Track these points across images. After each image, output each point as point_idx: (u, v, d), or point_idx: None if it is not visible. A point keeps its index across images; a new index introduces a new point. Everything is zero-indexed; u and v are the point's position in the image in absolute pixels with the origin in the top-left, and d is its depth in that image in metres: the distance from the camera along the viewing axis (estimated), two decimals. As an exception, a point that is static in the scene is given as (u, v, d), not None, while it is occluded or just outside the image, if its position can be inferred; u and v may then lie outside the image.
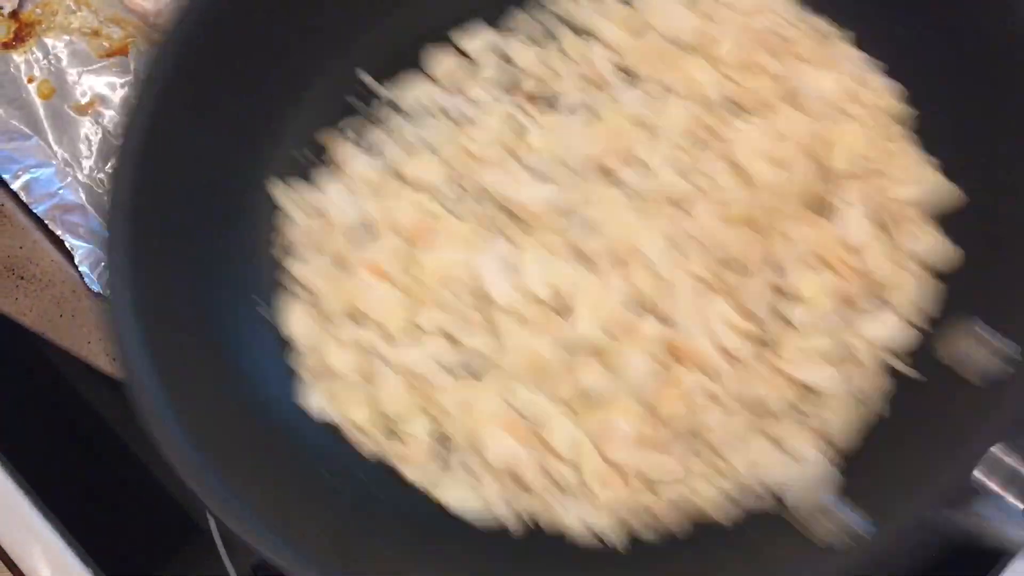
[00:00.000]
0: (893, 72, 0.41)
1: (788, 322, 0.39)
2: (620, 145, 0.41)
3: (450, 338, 0.39)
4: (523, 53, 0.43)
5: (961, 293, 0.38)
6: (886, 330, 0.38)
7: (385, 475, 0.39)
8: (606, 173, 0.41)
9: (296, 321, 0.41)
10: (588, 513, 0.38)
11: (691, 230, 0.40)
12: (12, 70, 0.57)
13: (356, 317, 0.41)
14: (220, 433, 0.38)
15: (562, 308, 0.39)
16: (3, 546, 0.50)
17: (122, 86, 0.56)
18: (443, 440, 0.39)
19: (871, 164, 0.40)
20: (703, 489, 0.37)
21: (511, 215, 0.41)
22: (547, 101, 0.43)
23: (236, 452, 0.37)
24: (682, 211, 0.40)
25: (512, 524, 0.38)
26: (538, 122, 0.42)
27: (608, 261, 0.40)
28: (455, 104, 0.43)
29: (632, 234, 0.39)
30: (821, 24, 0.42)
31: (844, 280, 0.39)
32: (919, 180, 0.39)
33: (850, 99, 0.41)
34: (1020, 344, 0.33)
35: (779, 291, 0.39)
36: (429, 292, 0.40)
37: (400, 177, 0.42)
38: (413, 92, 0.44)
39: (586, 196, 0.41)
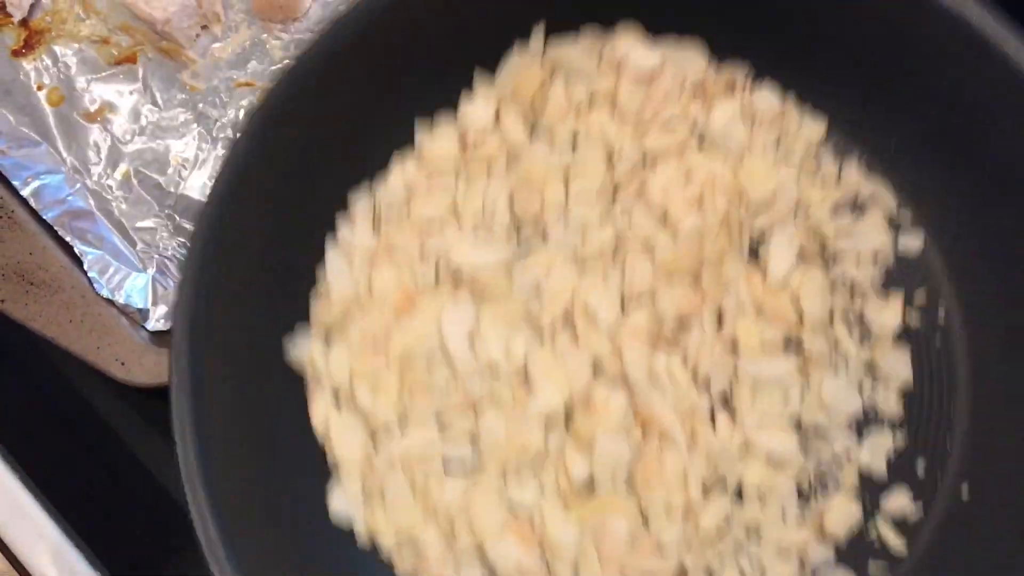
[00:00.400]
0: (807, 102, 0.43)
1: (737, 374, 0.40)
2: (541, 200, 0.42)
3: (440, 424, 0.40)
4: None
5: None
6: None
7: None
8: (537, 229, 0.42)
9: (317, 411, 0.41)
10: None
11: (629, 284, 0.41)
12: (22, 77, 0.56)
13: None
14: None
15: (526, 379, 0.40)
16: (10, 546, 0.50)
17: (130, 93, 0.56)
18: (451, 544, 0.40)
19: (787, 195, 0.42)
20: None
21: (467, 281, 0.42)
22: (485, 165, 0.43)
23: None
24: (617, 265, 0.41)
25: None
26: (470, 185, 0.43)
27: (557, 324, 0.41)
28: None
29: (575, 293, 0.41)
30: (733, 69, 0.43)
31: (778, 325, 0.41)
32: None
33: (759, 133, 0.43)
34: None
35: (727, 342, 0.41)
36: (416, 372, 0.41)
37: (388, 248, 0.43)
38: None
39: (524, 255, 0.42)
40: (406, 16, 0.40)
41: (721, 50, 0.43)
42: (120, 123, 0.56)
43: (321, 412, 0.41)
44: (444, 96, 0.43)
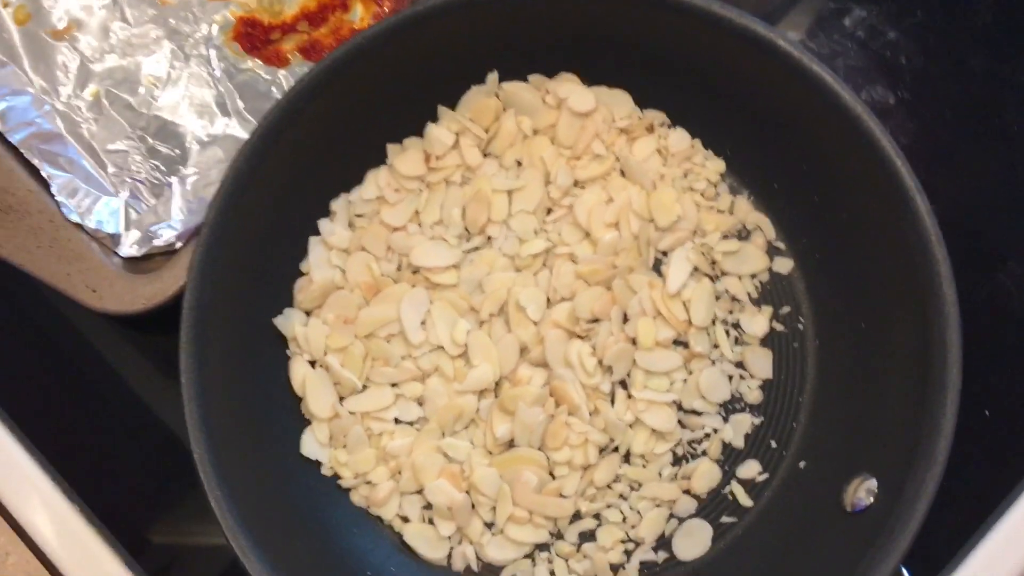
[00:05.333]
0: (710, 145, 0.52)
1: (635, 363, 0.49)
2: (488, 212, 0.50)
3: (394, 388, 0.50)
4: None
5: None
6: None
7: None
8: (483, 236, 0.51)
9: (296, 373, 0.50)
10: (506, 548, 0.48)
11: (554, 285, 0.50)
12: None
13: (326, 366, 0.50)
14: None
15: (466, 357, 0.50)
16: None
17: (100, 9, 0.54)
18: (397, 483, 0.49)
19: (689, 221, 0.51)
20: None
21: (423, 275, 0.50)
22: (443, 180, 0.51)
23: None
24: (546, 269, 0.51)
25: (458, 564, 0.48)
26: (431, 197, 0.51)
27: (494, 314, 0.50)
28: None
29: (511, 290, 0.50)
30: (652, 114, 0.52)
31: (671, 327, 0.49)
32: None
33: (670, 168, 0.51)
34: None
35: (629, 337, 0.49)
36: (378, 345, 0.49)
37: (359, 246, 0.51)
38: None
39: (471, 258, 0.51)
40: (383, 61, 0.47)
41: (643, 100, 0.52)
42: (88, 41, 0.54)
43: (299, 374, 0.50)
44: (412, 127, 0.52)
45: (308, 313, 0.51)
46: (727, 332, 0.51)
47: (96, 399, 0.55)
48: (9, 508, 0.51)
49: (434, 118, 0.52)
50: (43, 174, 0.52)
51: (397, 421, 0.50)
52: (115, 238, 0.52)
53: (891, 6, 0.57)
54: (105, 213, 0.52)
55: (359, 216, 0.52)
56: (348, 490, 0.50)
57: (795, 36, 0.57)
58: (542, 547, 0.49)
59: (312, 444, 0.50)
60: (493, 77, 0.51)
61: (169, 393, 0.51)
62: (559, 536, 0.49)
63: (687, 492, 0.50)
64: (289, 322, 0.50)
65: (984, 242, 0.54)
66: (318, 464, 0.49)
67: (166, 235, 0.52)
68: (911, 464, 0.42)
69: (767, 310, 0.51)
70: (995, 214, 0.55)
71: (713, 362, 0.51)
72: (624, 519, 0.49)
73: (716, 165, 0.52)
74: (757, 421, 0.50)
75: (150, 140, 0.54)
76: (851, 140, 0.45)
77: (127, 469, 0.54)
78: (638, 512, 0.49)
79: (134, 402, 0.55)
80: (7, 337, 0.56)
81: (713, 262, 0.51)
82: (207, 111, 0.55)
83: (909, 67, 0.56)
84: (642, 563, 0.49)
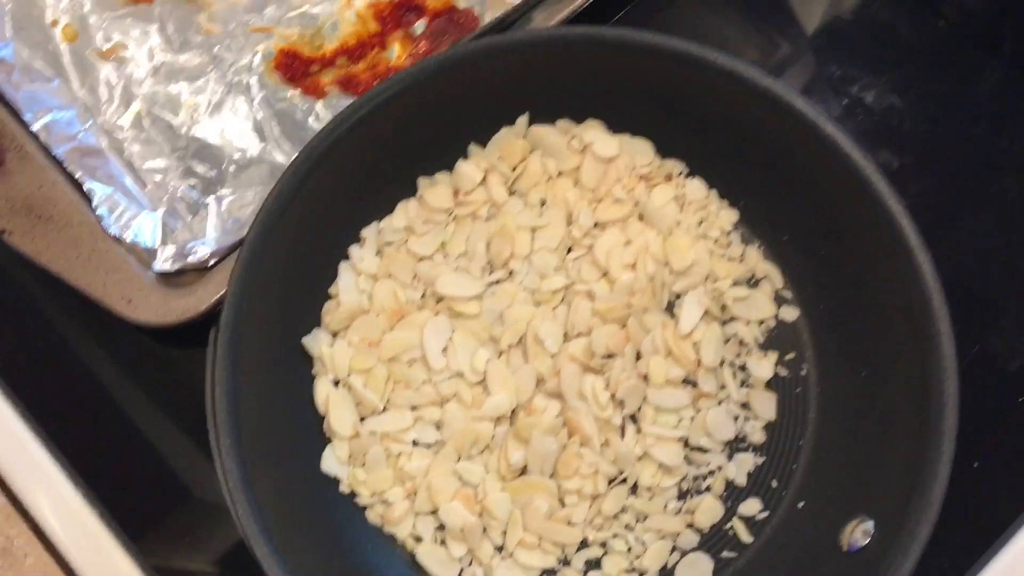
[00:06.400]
0: (725, 196, 0.54)
1: (646, 399, 0.51)
2: (512, 247, 0.53)
3: (414, 411, 0.52)
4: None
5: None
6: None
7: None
8: (506, 270, 0.53)
9: (320, 392, 0.52)
10: (515, 571, 0.50)
11: (572, 321, 0.52)
12: (36, 13, 0.55)
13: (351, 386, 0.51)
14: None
15: (484, 384, 0.52)
16: (8, 483, 0.52)
17: (145, 34, 0.56)
18: (412, 503, 0.51)
19: (702, 267, 0.53)
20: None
21: (446, 304, 0.52)
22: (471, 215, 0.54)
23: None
24: (565, 304, 0.53)
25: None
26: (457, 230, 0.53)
27: (513, 345, 0.52)
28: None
29: (530, 323, 0.52)
30: (672, 164, 0.55)
31: (681, 366, 0.51)
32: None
33: (686, 216, 0.54)
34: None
35: (641, 374, 0.51)
36: (400, 369, 0.51)
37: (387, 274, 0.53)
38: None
39: (493, 290, 0.53)
40: (420, 99, 0.50)
41: (664, 149, 0.55)
42: (134, 63, 0.55)
43: (323, 392, 0.51)
44: (443, 163, 0.54)
45: (335, 335, 0.53)
46: (734, 374, 0.53)
47: (116, 406, 0.56)
48: (29, 509, 0.52)
49: (465, 155, 0.55)
50: (84, 187, 0.53)
51: (415, 443, 0.52)
52: (151, 252, 0.53)
53: (899, 76, 0.60)
54: (142, 228, 0.53)
55: (388, 244, 0.54)
56: (365, 508, 0.51)
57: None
58: (549, 572, 0.51)
59: (332, 461, 0.51)
60: (523, 119, 0.54)
61: (184, 403, 0.54)
62: (566, 563, 0.51)
63: (690, 526, 0.52)
64: (316, 342, 0.52)
65: (979, 301, 0.57)
66: (337, 481, 0.51)
67: (200, 252, 0.53)
68: (907, 508, 0.45)
69: (773, 355, 0.54)
70: (990, 276, 0.57)
71: (720, 402, 0.53)
72: (629, 549, 0.51)
73: (730, 215, 0.55)
74: (760, 461, 0.53)
75: (189, 160, 0.56)
76: (860, 198, 0.48)
77: (143, 474, 0.55)
78: (643, 543, 0.51)
79: (153, 410, 0.56)
80: (35, 345, 0.57)
81: (723, 307, 0.54)
82: (245, 136, 0.57)
83: (913, 134, 0.60)
84: (645, 593, 0.51)
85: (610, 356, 0.52)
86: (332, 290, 0.53)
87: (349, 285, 0.53)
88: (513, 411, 0.52)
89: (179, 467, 0.55)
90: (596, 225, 0.54)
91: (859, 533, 0.47)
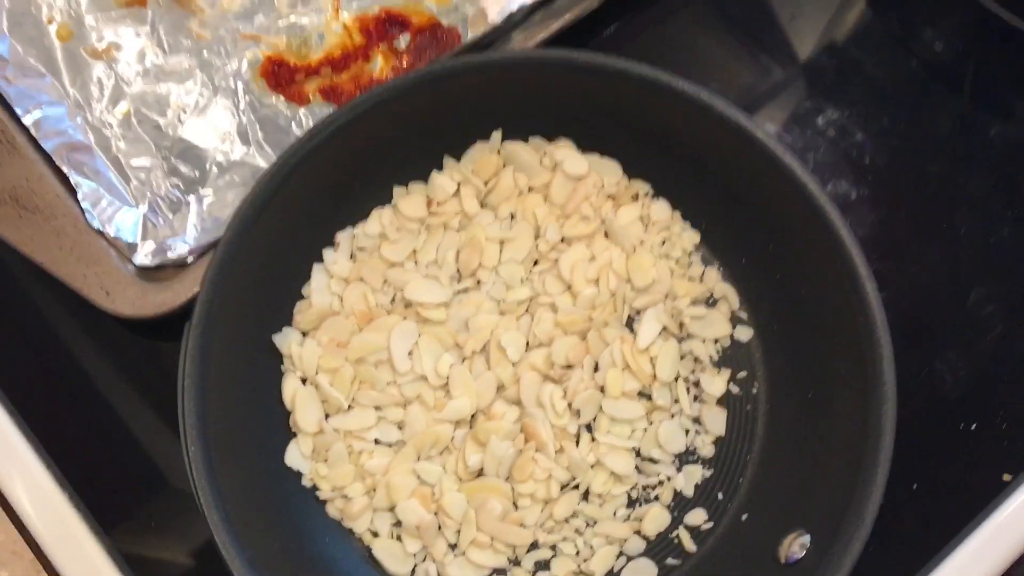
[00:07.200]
0: (688, 218, 0.57)
1: (601, 409, 0.53)
2: (480, 258, 0.54)
3: (378, 410, 0.53)
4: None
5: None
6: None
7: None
8: (474, 279, 0.55)
9: (288, 388, 0.53)
10: (466, 569, 0.52)
11: (534, 331, 0.54)
12: (32, 10, 0.57)
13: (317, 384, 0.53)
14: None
15: (447, 388, 0.54)
16: None
17: (137, 35, 0.57)
18: (371, 499, 0.52)
19: (662, 285, 0.55)
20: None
21: (414, 310, 0.54)
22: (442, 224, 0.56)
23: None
24: (528, 315, 0.55)
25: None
26: (429, 239, 0.55)
27: (477, 352, 0.54)
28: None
29: (494, 331, 0.54)
30: (639, 184, 0.57)
31: (637, 379, 0.53)
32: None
33: (650, 235, 0.56)
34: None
35: (598, 385, 0.53)
36: (366, 370, 0.53)
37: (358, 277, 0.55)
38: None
39: (460, 298, 0.55)
40: (398, 111, 0.52)
41: (632, 170, 0.57)
42: (125, 63, 0.57)
43: (291, 389, 0.53)
44: (418, 173, 0.56)
45: (305, 334, 0.55)
46: (688, 389, 0.55)
47: (94, 394, 0.57)
48: (3, 493, 0.53)
49: (439, 166, 0.57)
50: (71, 181, 0.55)
51: (377, 442, 0.54)
52: (131, 247, 0.55)
53: (862, 110, 0.63)
54: (124, 223, 0.55)
55: (361, 249, 0.56)
56: (325, 501, 0.53)
57: (772, 128, 0.63)
58: (500, 572, 0.53)
59: (296, 455, 0.53)
60: (497, 135, 0.56)
61: (161, 394, 0.56)
62: (516, 563, 0.53)
63: (638, 533, 0.54)
64: (286, 340, 0.54)
65: (926, 331, 0.59)
66: (300, 475, 0.53)
67: (179, 249, 0.55)
68: (841, 524, 0.47)
69: (726, 372, 0.56)
70: (937, 307, 0.60)
71: (672, 415, 0.55)
72: (578, 552, 0.53)
73: (692, 237, 0.57)
74: (707, 473, 0.55)
75: (173, 160, 0.57)
76: (814, 227, 0.50)
77: (118, 462, 0.57)
78: (591, 547, 0.53)
79: (128, 399, 0.58)
80: (17, 332, 0.58)
81: (681, 324, 0.56)
82: (229, 139, 0.59)
83: (872, 167, 0.62)
84: (590, 595, 0.53)
85: (569, 367, 0.54)
86: (304, 290, 0.55)
87: (321, 286, 0.55)
88: (473, 415, 0.54)
89: (156, 456, 0.57)
90: (563, 240, 0.56)
91: (796, 546, 0.49)
